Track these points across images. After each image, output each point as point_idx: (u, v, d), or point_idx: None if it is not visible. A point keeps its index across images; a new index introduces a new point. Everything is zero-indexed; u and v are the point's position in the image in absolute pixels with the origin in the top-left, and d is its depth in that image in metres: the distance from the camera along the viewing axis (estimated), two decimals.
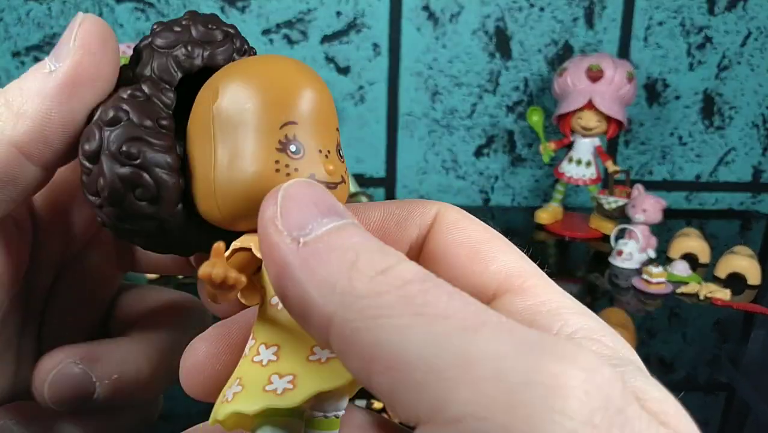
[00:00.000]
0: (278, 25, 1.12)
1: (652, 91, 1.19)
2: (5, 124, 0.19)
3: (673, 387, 0.57)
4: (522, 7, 1.13)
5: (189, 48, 0.19)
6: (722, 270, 0.93)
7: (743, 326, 0.82)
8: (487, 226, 0.19)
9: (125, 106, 0.18)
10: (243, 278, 0.16)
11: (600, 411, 0.12)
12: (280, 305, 0.18)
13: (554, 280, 0.19)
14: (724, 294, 0.86)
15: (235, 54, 0.20)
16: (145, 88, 0.19)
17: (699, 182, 1.26)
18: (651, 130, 1.22)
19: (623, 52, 1.16)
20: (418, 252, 0.19)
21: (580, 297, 0.89)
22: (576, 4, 1.13)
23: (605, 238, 1.04)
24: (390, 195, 1.23)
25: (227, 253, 0.17)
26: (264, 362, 0.17)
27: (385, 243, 0.19)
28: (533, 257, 0.19)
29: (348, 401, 0.19)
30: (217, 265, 0.16)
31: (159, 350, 0.26)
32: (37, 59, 1.12)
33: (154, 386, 0.26)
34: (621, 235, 0.98)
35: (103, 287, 0.27)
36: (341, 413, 0.18)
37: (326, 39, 1.13)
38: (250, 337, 0.18)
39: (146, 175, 0.18)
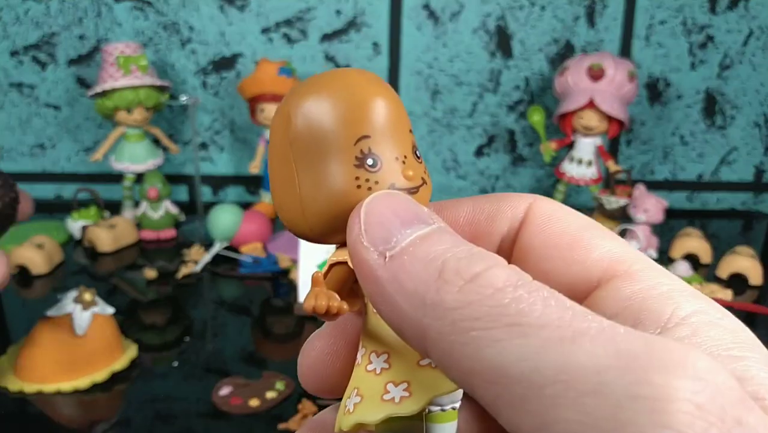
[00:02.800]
0: (277, 24, 1.11)
1: (654, 91, 1.19)
2: None
3: None
4: (523, 5, 1.12)
5: None
6: (724, 270, 0.92)
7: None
8: (583, 215, 0.18)
9: None
10: (345, 306, 0.17)
11: (715, 426, 0.11)
12: None
13: None
14: (725, 294, 0.86)
15: None
16: None
17: (701, 182, 1.26)
18: (652, 130, 1.21)
19: (625, 51, 1.15)
20: (511, 246, 0.19)
21: None
22: (577, 3, 1.13)
23: None
24: None
25: (325, 268, 0.18)
26: (377, 371, 0.18)
27: (476, 238, 0.19)
28: None
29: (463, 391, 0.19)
30: (319, 296, 0.17)
31: None
32: (35, 58, 1.11)
33: None
34: (622, 235, 0.97)
35: None
36: (458, 404, 0.19)
37: (326, 38, 1.12)
38: (360, 345, 0.19)
39: None
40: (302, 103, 0.18)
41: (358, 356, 0.19)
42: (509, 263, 0.18)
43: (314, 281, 0.17)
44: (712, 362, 0.12)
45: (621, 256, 0.17)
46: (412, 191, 0.18)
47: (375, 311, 0.18)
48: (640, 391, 0.12)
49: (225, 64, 1.13)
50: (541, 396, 0.12)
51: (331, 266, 0.18)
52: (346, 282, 0.18)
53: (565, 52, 1.15)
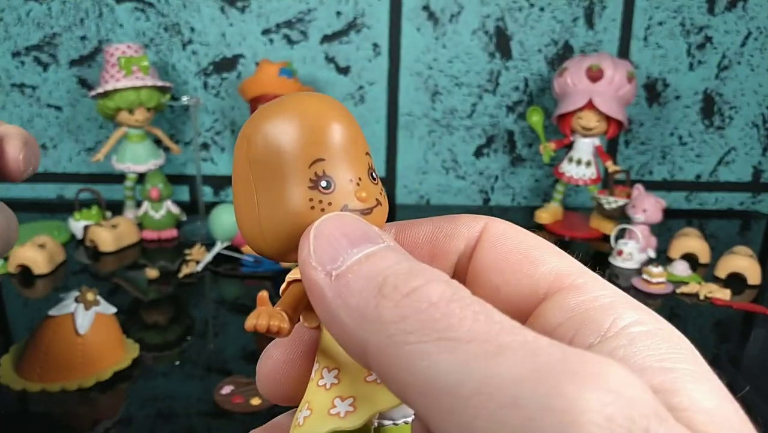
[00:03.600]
0: (278, 25, 1.11)
1: (652, 91, 1.19)
2: None
3: None
4: (522, 7, 1.13)
5: None
6: (722, 270, 0.92)
7: (743, 326, 0.82)
8: (534, 234, 0.19)
9: None
10: (285, 324, 0.18)
11: None
12: None
13: None
14: (724, 294, 0.86)
15: None
16: None
17: (699, 182, 1.26)
18: (651, 130, 1.21)
19: (623, 52, 1.16)
20: (467, 262, 0.20)
21: None
22: (576, 4, 1.13)
23: (605, 238, 1.03)
24: (390, 195, 1.23)
25: (283, 286, 0.19)
26: (327, 386, 0.19)
27: (435, 255, 0.20)
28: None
29: None
30: (261, 316, 0.18)
31: None
32: (37, 59, 1.12)
33: None
34: (621, 235, 0.97)
35: None
36: (410, 418, 0.19)
37: (326, 39, 1.13)
38: (315, 360, 0.20)
39: None
40: (261, 126, 0.19)
41: (313, 371, 0.19)
42: (465, 278, 0.19)
43: (259, 300, 0.18)
44: (627, 373, 0.13)
45: (567, 270, 0.18)
46: (365, 212, 0.18)
47: None
48: (552, 403, 0.12)
49: (226, 65, 1.13)
50: (465, 408, 0.13)
51: (289, 283, 0.19)
52: (303, 299, 0.19)
53: (564, 53, 1.15)
